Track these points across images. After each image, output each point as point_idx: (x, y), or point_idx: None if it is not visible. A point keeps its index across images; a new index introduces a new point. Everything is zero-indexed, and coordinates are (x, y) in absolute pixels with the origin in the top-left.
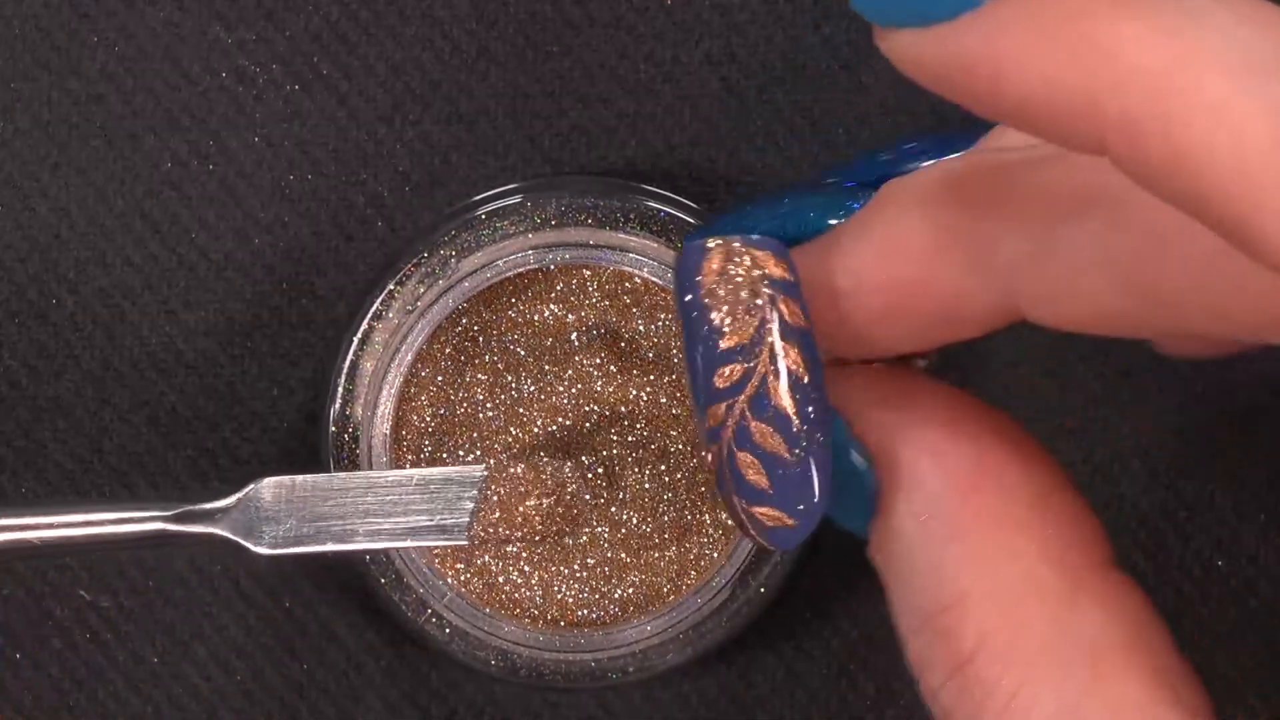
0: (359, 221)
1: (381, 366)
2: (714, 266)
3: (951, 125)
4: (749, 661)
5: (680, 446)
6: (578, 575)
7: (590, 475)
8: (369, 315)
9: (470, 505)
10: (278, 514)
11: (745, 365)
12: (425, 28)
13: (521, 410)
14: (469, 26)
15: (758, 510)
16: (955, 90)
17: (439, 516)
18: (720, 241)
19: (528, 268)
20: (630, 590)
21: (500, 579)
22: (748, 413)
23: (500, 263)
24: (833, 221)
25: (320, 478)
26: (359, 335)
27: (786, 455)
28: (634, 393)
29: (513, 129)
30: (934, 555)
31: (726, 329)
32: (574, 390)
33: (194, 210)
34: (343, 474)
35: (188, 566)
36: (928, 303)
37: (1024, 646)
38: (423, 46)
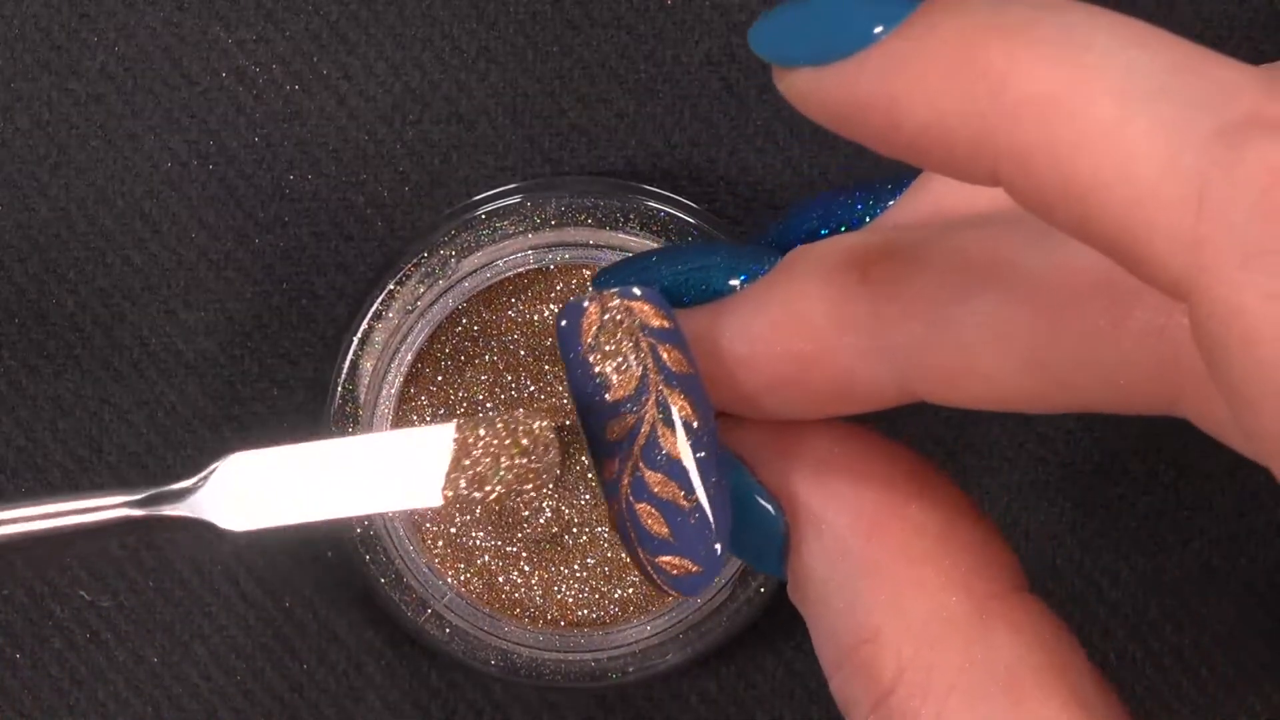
0: (359, 221)
1: (381, 366)
2: (593, 321)
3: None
4: (749, 661)
5: None
6: (578, 575)
7: (590, 476)
8: (369, 315)
9: (441, 466)
10: (247, 489)
11: (634, 415)
12: (425, 28)
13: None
14: (469, 26)
15: (662, 560)
16: (853, 128)
17: (411, 479)
18: (597, 297)
19: (528, 268)
20: (630, 590)
21: (500, 579)
22: (641, 463)
23: (500, 263)
24: (734, 283)
25: (287, 449)
26: (359, 335)
27: (683, 502)
28: None
29: (513, 129)
30: (846, 593)
31: (612, 381)
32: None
33: (194, 210)
34: (310, 443)
35: (188, 566)
36: (821, 378)
37: (940, 676)
38: (423, 46)
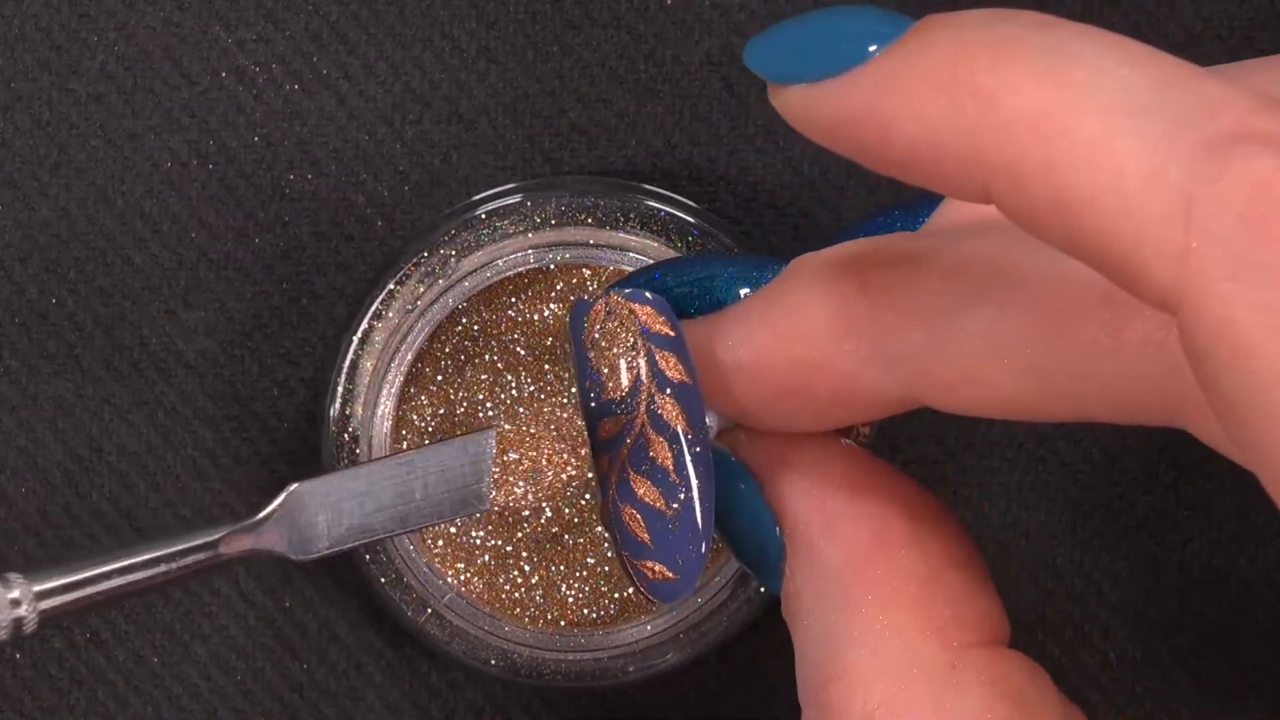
0: (359, 221)
1: (381, 366)
2: (597, 321)
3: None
4: (749, 661)
5: None
6: (578, 575)
7: (590, 475)
8: (369, 315)
9: (485, 472)
10: (312, 519)
11: (625, 417)
12: (425, 28)
13: (521, 410)
14: (469, 26)
15: (641, 563)
16: (846, 144)
17: (460, 488)
18: (604, 297)
19: (528, 267)
20: (630, 590)
21: (500, 579)
22: (628, 466)
23: (500, 262)
24: (743, 291)
25: (346, 474)
26: (359, 335)
27: (665, 509)
28: None
29: (513, 129)
30: (825, 626)
31: (607, 382)
32: (574, 390)
33: (194, 210)
34: (364, 466)
35: None
36: (823, 386)
37: None
38: (423, 46)
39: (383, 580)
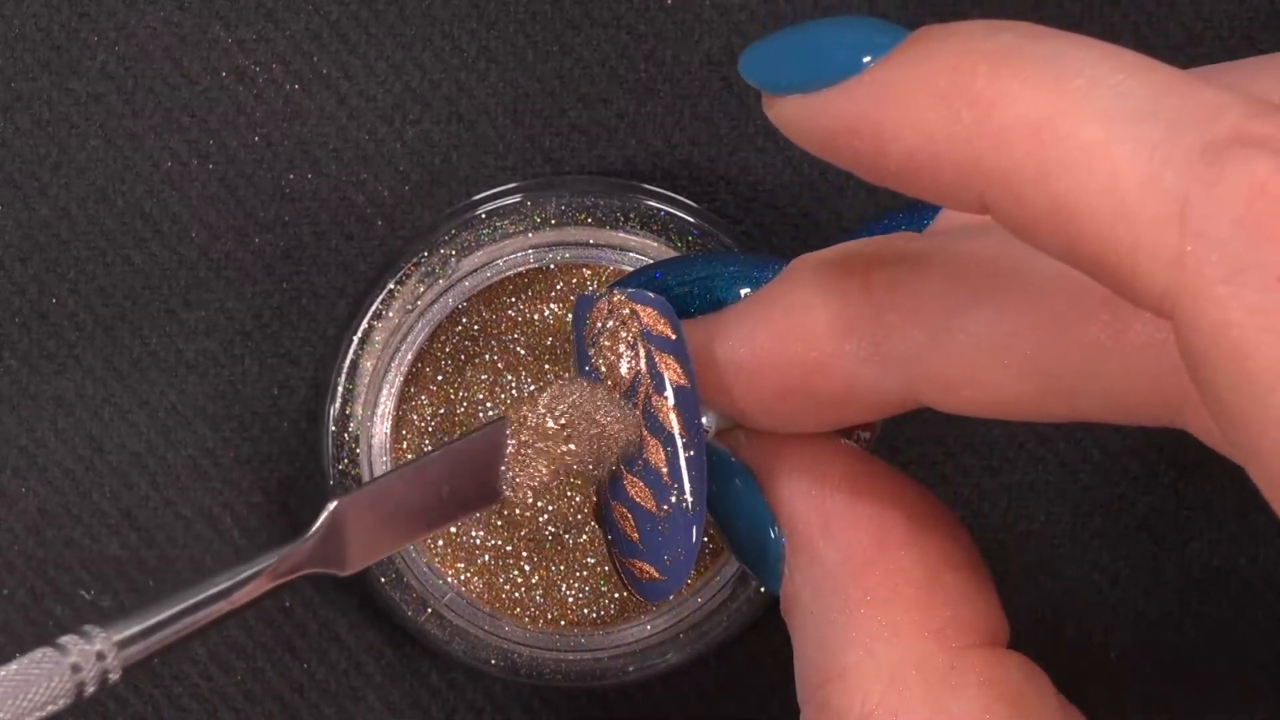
0: (359, 221)
1: (381, 366)
2: (599, 319)
3: None
4: (749, 661)
5: None
6: (578, 575)
7: None
8: (369, 314)
9: (502, 460)
10: (354, 533)
11: None
12: (425, 27)
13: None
14: (469, 26)
15: (630, 562)
16: (841, 154)
17: (477, 480)
18: (606, 295)
19: (528, 267)
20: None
21: (500, 578)
22: (621, 465)
23: (500, 262)
24: (744, 291)
25: (380, 483)
26: (359, 334)
27: (656, 510)
28: None
29: (513, 129)
30: (823, 627)
31: (606, 380)
32: None
33: (194, 210)
34: (394, 473)
35: (188, 566)
36: (824, 385)
37: None
38: (423, 46)
39: (383, 580)
